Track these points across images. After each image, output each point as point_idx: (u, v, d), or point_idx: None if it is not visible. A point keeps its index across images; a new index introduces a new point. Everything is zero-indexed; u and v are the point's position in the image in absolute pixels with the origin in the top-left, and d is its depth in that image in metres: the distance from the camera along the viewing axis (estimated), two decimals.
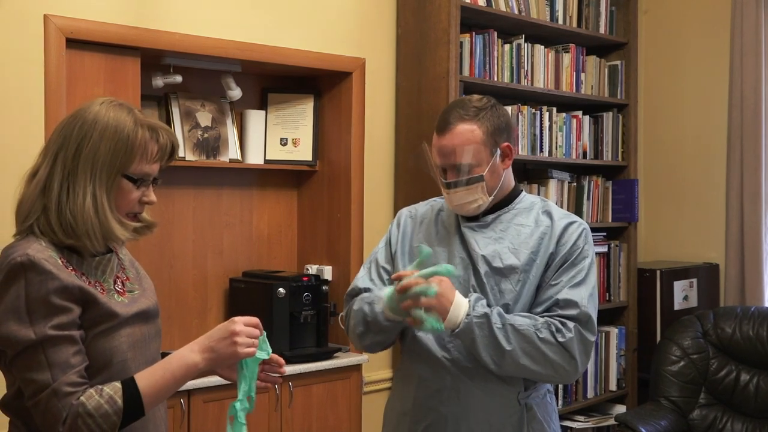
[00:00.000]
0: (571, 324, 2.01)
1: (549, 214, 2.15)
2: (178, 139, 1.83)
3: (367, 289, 2.21)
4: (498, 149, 2.11)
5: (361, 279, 2.25)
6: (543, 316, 2.03)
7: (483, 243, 2.13)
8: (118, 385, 1.60)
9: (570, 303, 2.03)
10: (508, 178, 2.19)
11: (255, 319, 1.70)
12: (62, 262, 1.60)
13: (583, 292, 2.05)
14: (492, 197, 2.12)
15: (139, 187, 1.69)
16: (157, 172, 1.72)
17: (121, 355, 1.66)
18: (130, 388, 1.59)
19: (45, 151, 1.67)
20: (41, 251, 1.58)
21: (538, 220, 2.15)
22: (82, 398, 1.55)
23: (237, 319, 1.68)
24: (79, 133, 1.64)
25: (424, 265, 1.98)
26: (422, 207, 2.31)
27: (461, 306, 1.97)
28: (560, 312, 2.03)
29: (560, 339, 1.99)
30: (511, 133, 2.17)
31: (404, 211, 2.32)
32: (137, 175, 1.67)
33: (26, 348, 1.54)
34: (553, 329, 1.99)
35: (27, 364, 1.55)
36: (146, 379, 1.62)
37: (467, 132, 2.07)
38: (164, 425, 1.82)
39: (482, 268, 2.09)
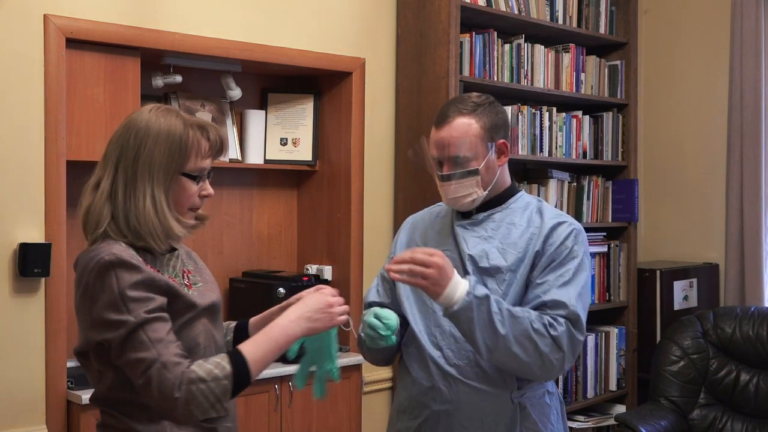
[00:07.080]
0: (562, 320, 2.01)
1: (540, 214, 2.16)
2: None
3: (374, 303, 2.24)
4: (494, 145, 2.14)
5: (371, 291, 2.30)
6: None
7: (472, 242, 2.14)
8: (223, 354, 1.72)
9: (558, 304, 2.03)
10: (504, 176, 2.20)
11: (336, 291, 1.85)
12: (141, 259, 1.75)
13: (571, 292, 2.04)
14: (486, 192, 2.14)
15: (198, 182, 1.83)
16: (209, 166, 1.86)
17: (200, 344, 1.78)
18: (235, 355, 1.70)
19: (104, 163, 1.80)
20: (124, 250, 1.72)
21: (530, 219, 2.16)
22: (192, 366, 1.66)
23: (325, 290, 1.84)
24: (135, 142, 1.77)
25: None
26: (424, 212, 2.35)
27: (459, 284, 1.95)
28: (549, 312, 2.03)
29: (552, 332, 1.99)
30: (508, 131, 2.20)
31: (408, 219, 2.38)
32: (195, 171, 1.81)
33: (129, 333, 1.66)
34: (546, 323, 2.00)
35: (132, 346, 1.66)
36: (249, 346, 1.74)
37: (464, 125, 2.11)
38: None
39: (469, 268, 2.11)
